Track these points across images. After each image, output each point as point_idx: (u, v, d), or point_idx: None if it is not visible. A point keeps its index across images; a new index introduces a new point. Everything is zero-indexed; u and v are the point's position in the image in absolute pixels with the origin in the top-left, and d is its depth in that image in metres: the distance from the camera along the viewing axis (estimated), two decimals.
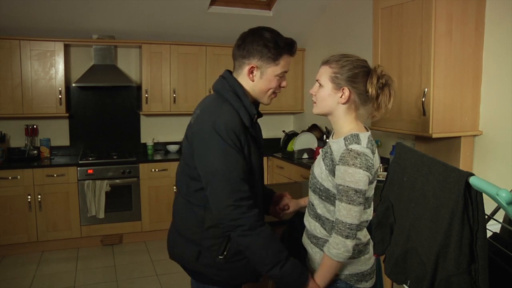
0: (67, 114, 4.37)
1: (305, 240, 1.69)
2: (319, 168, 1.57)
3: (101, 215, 4.15)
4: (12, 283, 3.48)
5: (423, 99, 2.56)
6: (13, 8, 3.81)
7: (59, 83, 4.20)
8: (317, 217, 1.59)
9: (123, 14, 4.14)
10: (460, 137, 2.67)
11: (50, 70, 4.17)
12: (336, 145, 1.52)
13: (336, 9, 4.27)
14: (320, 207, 1.58)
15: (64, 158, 4.43)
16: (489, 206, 1.37)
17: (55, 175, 4.05)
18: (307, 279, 1.52)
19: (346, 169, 1.43)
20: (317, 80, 1.57)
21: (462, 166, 2.65)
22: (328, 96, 1.53)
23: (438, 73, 2.53)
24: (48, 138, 4.48)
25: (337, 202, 1.47)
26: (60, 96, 4.21)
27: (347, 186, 1.43)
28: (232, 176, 1.48)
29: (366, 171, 1.42)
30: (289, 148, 4.67)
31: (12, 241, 3.99)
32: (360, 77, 1.50)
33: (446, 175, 1.14)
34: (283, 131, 5.00)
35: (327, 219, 1.56)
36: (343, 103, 1.52)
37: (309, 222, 1.64)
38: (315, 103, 1.59)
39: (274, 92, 1.65)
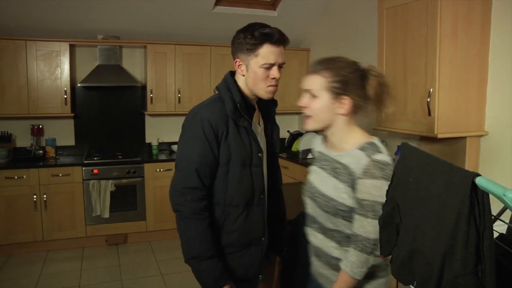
0: (73, 114, 4.39)
1: (321, 268, 1.52)
2: (331, 187, 1.41)
3: (106, 214, 4.17)
4: (18, 282, 3.50)
5: (428, 99, 2.54)
6: (19, 9, 3.83)
7: (64, 83, 4.22)
8: (333, 237, 1.45)
9: (128, 14, 4.15)
10: (465, 137, 2.66)
11: (56, 70, 4.19)
12: (348, 158, 1.38)
13: (341, 9, 4.26)
14: (333, 224, 1.44)
15: (69, 158, 4.45)
16: (494, 207, 1.37)
17: (60, 175, 4.07)
18: (223, 286, 1.57)
19: (374, 183, 1.31)
20: (307, 91, 1.42)
21: (468, 167, 2.64)
22: (326, 108, 1.38)
23: (443, 73, 2.52)
24: (53, 138, 4.51)
25: (359, 217, 1.34)
26: (65, 96, 4.23)
27: (374, 201, 1.31)
28: (189, 166, 1.55)
29: (388, 181, 1.30)
30: (293, 148, 4.67)
31: (18, 240, 4.02)
32: (358, 81, 1.37)
33: (451, 175, 1.13)
34: (288, 131, 4.99)
35: (341, 233, 1.43)
36: (344, 114, 1.38)
37: (325, 245, 1.48)
38: (310, 117, 1.42)
39: (268, 85, 1.61)
